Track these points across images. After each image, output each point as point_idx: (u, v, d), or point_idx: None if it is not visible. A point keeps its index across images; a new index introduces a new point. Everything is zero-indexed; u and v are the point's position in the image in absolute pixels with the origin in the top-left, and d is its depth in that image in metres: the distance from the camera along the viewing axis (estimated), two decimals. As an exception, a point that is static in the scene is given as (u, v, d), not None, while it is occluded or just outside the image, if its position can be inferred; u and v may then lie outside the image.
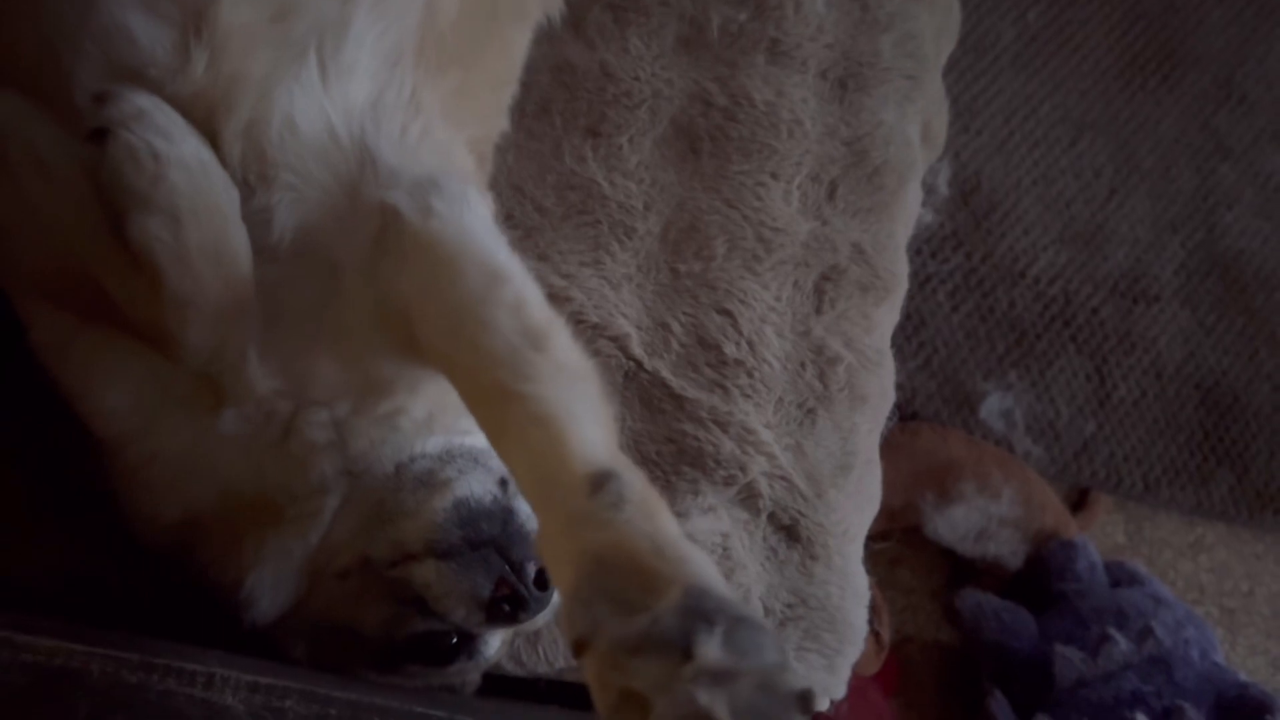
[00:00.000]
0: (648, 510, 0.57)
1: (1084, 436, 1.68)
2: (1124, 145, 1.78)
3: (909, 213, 1.13)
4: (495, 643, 0.81)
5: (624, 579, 0.53)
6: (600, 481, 0.57)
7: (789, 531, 1.03)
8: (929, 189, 1.45)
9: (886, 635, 1.49)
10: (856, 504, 1.08)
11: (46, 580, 0.79)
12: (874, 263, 1.08)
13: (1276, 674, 1.71)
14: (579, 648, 0.53)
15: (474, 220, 0.71)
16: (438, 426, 0.79)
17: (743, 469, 1.00)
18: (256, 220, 0.71)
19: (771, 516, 1.02)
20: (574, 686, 0.95)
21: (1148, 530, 1.72)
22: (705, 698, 0.48)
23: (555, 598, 0.75)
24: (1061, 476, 1.66)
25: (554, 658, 0.95)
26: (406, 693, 0.74)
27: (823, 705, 1.06)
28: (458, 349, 0.67)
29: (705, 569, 0.54)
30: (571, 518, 0.57)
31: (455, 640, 0.79)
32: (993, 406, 1.64)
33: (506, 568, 0.73)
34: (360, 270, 0.73)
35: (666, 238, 1.05)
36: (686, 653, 0.49)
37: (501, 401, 0.63)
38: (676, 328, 1.03)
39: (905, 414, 1.61)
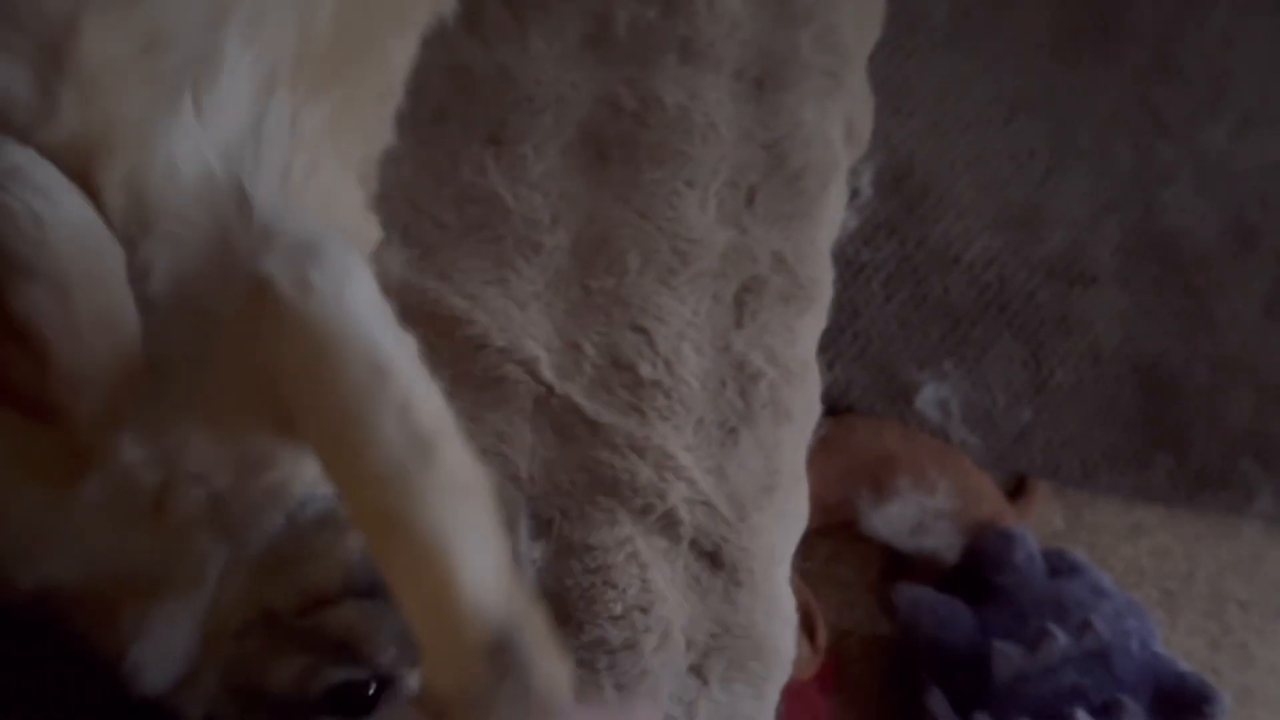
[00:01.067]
0: (547, 675, 0.56)
1: (1021, 424, 1.65)
2: (1060, 124, 1.74)
3: (832, 216, 1.08)
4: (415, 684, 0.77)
5: None
6: (497, 654, 0.55)
7: (712, 558, 0.98)
8: (852, 191, 1.40)
9: (822, 638, 1.46)
10: (782, 525, 1.04)
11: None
12: (796, 271, 1.03)
13: (1215, 653, 1.71)
14: None
15: (356, 298, 0.64)
16: (322, 485, 0.74)
17: (661, 496, 0.96)
18: (137, 273, 0.65)
19: (693, 543, 0.98)
20: None
21: (1086, 516, 1.71)
22: None
23: None
24: (999, 465, 1.64)
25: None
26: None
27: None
28: (339, 458, 0.62)
29: None
30: (463, 680, 0.55)
31: (375, 687, 0.74)
32: (928, 396, 1.61)
33: None
34: (239, 334, 0.67)
35: (576, 252, 0.99)
36: None
37: (387, 527, 0.59)
38: (589, 348, 0.98)
39: (840, 407, 1.57)
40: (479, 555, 0.58)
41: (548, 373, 0.96)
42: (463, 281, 0.96)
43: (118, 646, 0.72)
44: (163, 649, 0.72)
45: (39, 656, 0.75)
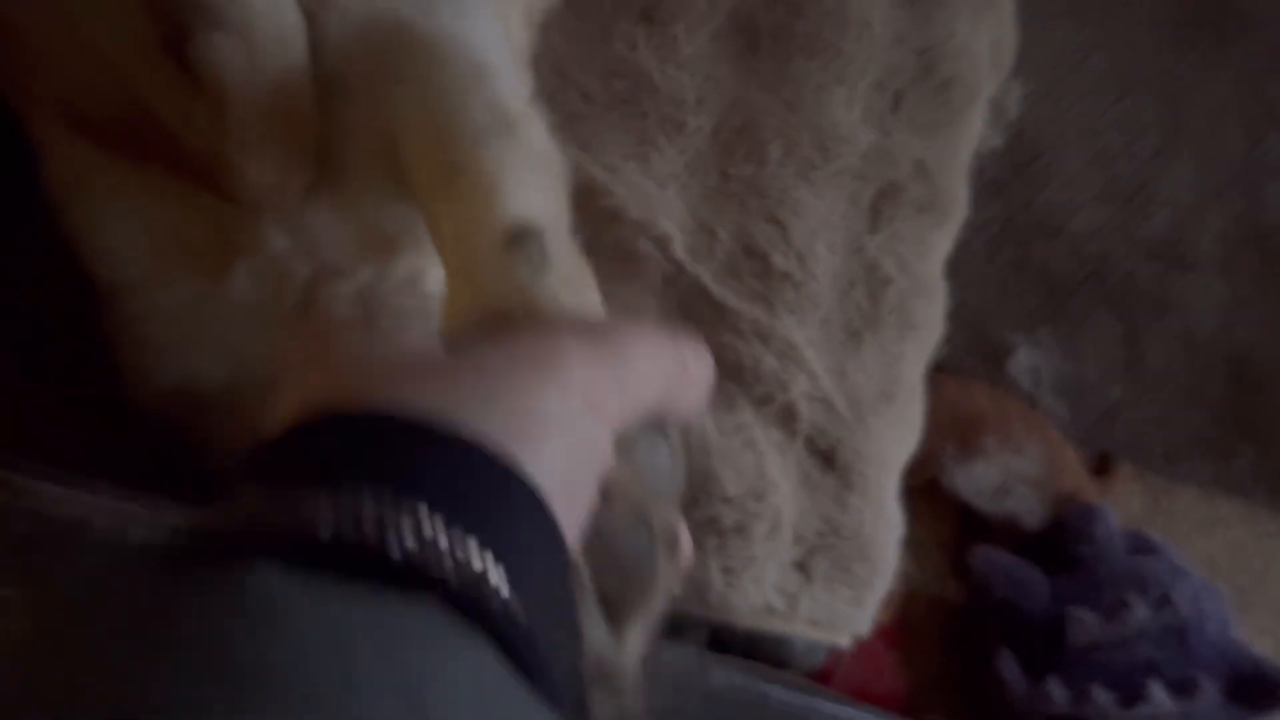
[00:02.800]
0: (571, 282, 0.49)
1: (1109, 400, 1.63)
2: (1173, 105, 1.71)
3: (972, 134, 1.07)
4: None
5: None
6: (519, 237, 0.49)
7: (825, 457, 0.97)
8: (998, 109, 1.38)
9: (898, 585, 1.44)
10: (897, 435, 1.02)
11: (45, 438, 0.73)
12: (935, 182, 1.02)
13: (1282, 657, 1.67)
14: None
15: (477, 25, 0.62)
16: None
17: (783, 387, 0.95)
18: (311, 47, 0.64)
19: (808, 440, 0.97)
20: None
21: (1165, 503, 1.68)
22: None
23: None
24: (1084, 439, 1.61)
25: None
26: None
27: (843, 641, 1.02)
28: (423, 131, 0.58)
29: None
30: (484, 276, 0.50)
31: None
32: (1020, 362, 1.59)
33: None
34: (369, 96, 0.64)
35: (718, 137, 0.98)
36: None
37: (450, 169, 0.54)
38: (722, 234, 0.97)
39: (932, 363, 1.55)
40: (533, 192, 0.53)
41: (680, 252, 0.95)
42: (603, 153, 0.95)
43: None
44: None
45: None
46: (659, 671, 0.69)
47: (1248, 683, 1.38)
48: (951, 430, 1.51)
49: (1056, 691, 1.37)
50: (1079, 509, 1.51)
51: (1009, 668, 1.42)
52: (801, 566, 0.95)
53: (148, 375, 0.72)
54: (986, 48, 1.07)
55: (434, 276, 0.70)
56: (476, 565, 0.29)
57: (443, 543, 0.29)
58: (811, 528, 0.96)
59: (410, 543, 0.28)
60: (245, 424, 0.71)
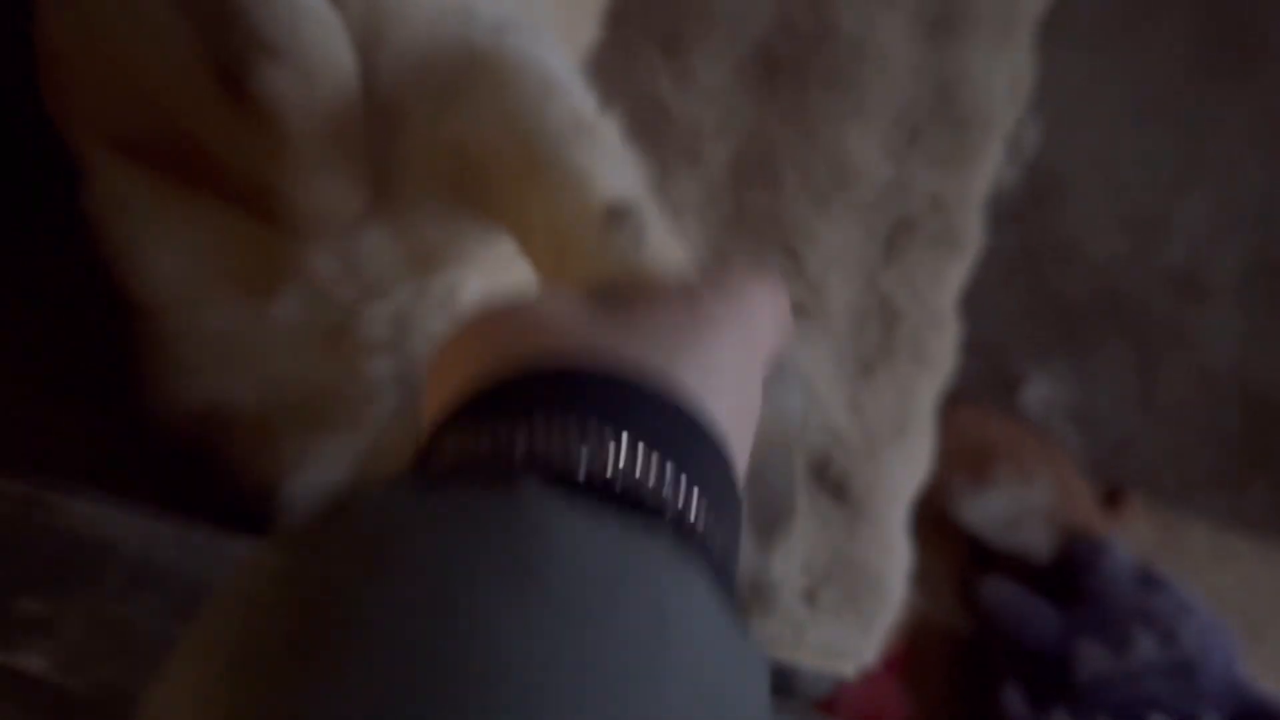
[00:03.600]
0: (665, 252, 0.51)
1: (1123, 431, 1.62)
2: (1192, 136, 1.71)
3: (988, 169, 1.07)
4: None
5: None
6: (619, 213, 0.50)
7: (837, 488, 0.98)
8: (1015, 144, 1.38)
9: (906, 615, 1.44)
10: (908, 468, 1.03)
11: (73, 458, 0.74)
12: (950, 216, 1.03)
13: (1293, 693, 1.66)
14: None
15: (543, 48, 0.63)
16: None
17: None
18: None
19: (820, 471, 0.97)
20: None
21: (1176, 535, 1.67)
22: None
23: None
24: (1096, 470, 1.61)
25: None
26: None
27: (849, 671, 1.02)
28: (501, 138, 0.59)
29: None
30: (586, 251, 0.50)
31: None
32: (1034, 391, 1.59)
33: None
34: (426, 118, 0.66)
35: (735, 168, 0.99)
36: None
37: (536, 166, 0.55)
38: (739, 264, 0.97)
39: (945, 392, 1.55)
40: (619, 178, 0.54)
41: (697, 283, 0.96)
42: (622, 183, 0.96)
43: (273, 476, 0.72)
44: (317, 488, 0.72)
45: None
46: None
47: (1253, 718, 1.38)
48: (962, 460, 1.51)
49: (1064, 724, 1.37)
50: (1088, 542, 1.51)
51: (1014, 701, 1.42)
52: (810, 596, 0.95)
53: (180, 396, 0.72)
54: (1004, 82, 1.08)
55: (470, 288, 0.71)
56: (693, 502, 0.33)
57: (667, 478, 0.32)
58: (820, 558, 0.96)
59: (647, 477, 0.32)
60: (272, 446, 0.72)
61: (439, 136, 0.64)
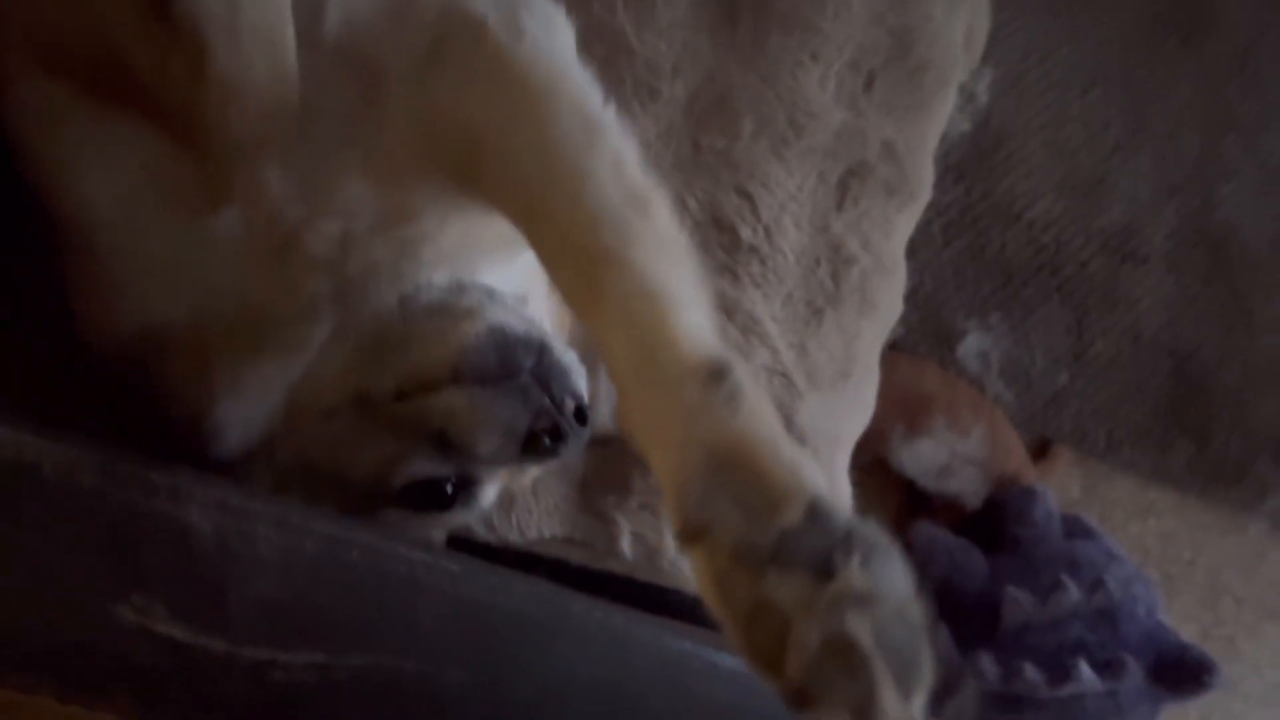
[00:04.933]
0: (762, 413, 0.52)
1: (1055, 387, 1.66)
2: (1135, 102, 1.74)
3: (942, 118, 1.08)
4: (492, 494, 0.76)
5: (744, 480, 0.49)
6: (718, 374, 0.52)
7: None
8: (968, 95, 1.40)
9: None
10: (851, 412, 1.04)
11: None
12: (903, 164, 1.03)
13: (1205, 641, 1.72)
14: (693, 535, 0.50)
15: (565, 52, 0.63)
16: (450, 263, 0.73)
17: (744, 359, 0.95)
18: (304, 4, 0.63)
19: (764, 413, 0.97)
20: (543, 560, 0.91)
21: (1102, 489, 1.72)
22: (854, 622, 0.45)
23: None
24: (1028, 424, 1.65)
25: (527, 527, 0.90)
26: (390, 534, 0.68)
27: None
28: (550, 198, 0.60)
29: (823, 484, 0.50)
30: (683, 404, 0.52)
31: (453, 487, 0.73)
32: (970, 346, 1.61)
33: (546, 400, 0.67)
34: (409, 80, 0.65)
35: (692, 108, 0.98)
36: (828, 572, 0.47)
37: (598, 266, 0.57)
38: (692, 204, 0.97)
39: (885, 342, 1.57)
40: (695, 302, 0.56)
41: (649, 221, 0.95)
42: (577, 117, 0.95)
43: (205, 401, 0.70)
44: (249, 412, 0.71)
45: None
46: (610, 634, 0.70)
47: (1172, 666, 1.43)
48: (901, 409, 1.53)
49: (988, 668, 1.41)
50: (1019, 491, 1.55)
51: (942, 643, 1.45)
52: (752, 539, 0.96)
53: (112, 317, 0.70)
54: (961, 33, 1.08)
55: (436, 244, 0.70)
56: None
57: None
58: (763, 500, 0.97)
59: None
60: (206, 372, 0.71)
61: (436, 106, 0.64)
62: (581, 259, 0.58)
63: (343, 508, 0.73)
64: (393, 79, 0.65)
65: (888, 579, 0.47)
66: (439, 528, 0.80)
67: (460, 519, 0.79)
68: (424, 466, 0.72)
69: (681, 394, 0.52)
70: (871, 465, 1.56)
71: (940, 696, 0.47)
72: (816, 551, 0.47)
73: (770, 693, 0.47)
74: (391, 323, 0.70)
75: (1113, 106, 1.73)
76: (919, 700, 0.45)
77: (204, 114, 0.60)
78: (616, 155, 0.60)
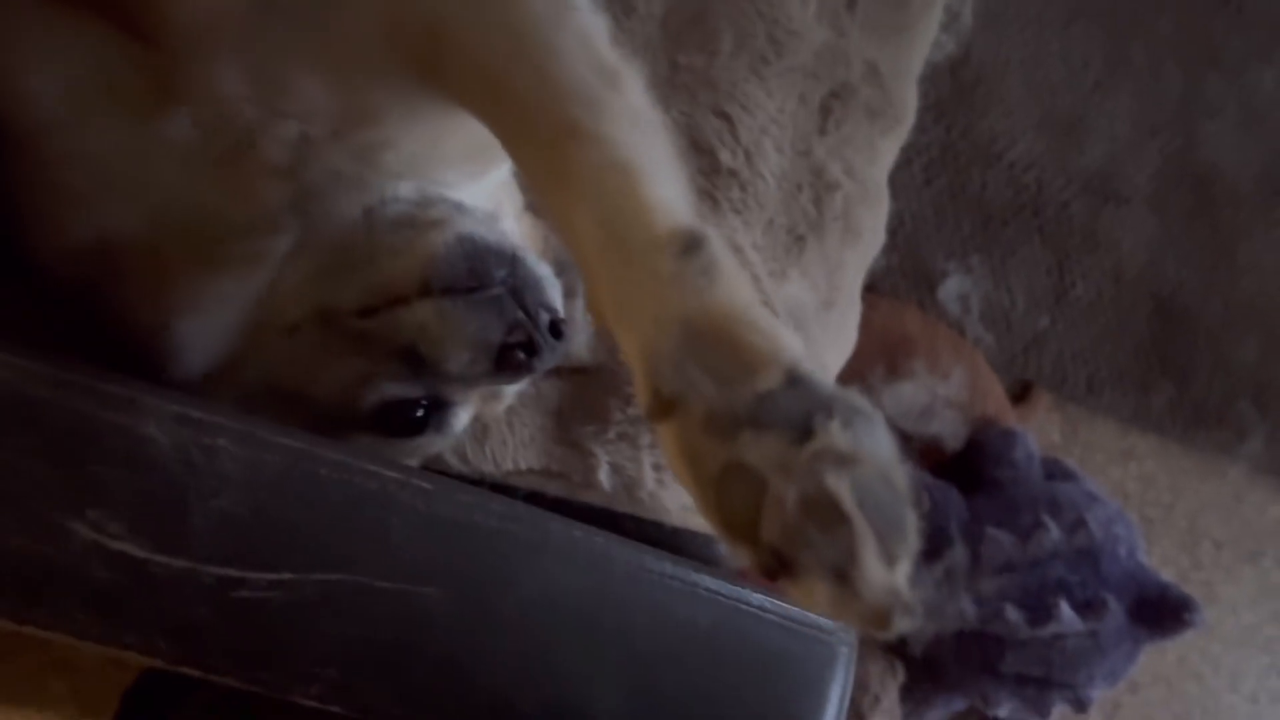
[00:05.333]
0: (739, 285, 0.49)
1: (1035, 330, 1.64)
2: (1117, 38, 1.71)
3: (927, 40, 1.05)
4: (465, 418, 0.73)
5: (719, 350, 0.47)
6: (693, 245, 0.49)
7: (762, 360, 0.96)
8: (953, 15, 1.37)
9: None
10: (834, 342, 1.02)
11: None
12: (887, 87, 1.00)
13: (1183, 584, 1.71)
14: (663, 409, 0.47)
15: None
16: (415, 174, 0.69)
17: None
18: None
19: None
20: (518, 492, 0.88)
21: (1083, 432, 1.71)
22: (833, 480, 0.43)
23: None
24: (1008, 367, 1.63)
25: (501, 459, 0.88)
26: (355, 449, 0.66)
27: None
28: (517, 75, 0.57)
29: (803, 355, 0.48)
30: (656, 277, 0.50)
31: (424, 409, 0.70)
32: (951, 288, 1.59)
33: (520, 312, 0.65)
34: None
35: (668, 24, 0.95)
36: (807, 431, 0.44)
37: (567, 141, 0.54)
38: (669, 125, 0.94)
39: (865, 285, 1.55)
40: (668, 176, 0.53)
41: (625, 143, 0.92)
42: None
43: (162, 317, 0.67)
44: (208, 329, 0.68)
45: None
46: (590, 553, 0.68)
47: (1153, 605, 1.43)
48: (881, 352, 1.51)
49: (969, 609, 1.40)
50: (999, 433, 1.54)
51: (929, 509, 1.44)
52: (733, 468, 0.94)
53: (62, 227, 0.67)
54: (945, -47, 1.05)
55: (400, 150, 0.67)
56: None
57: None
58: (745, 430, 0.95)
59: None
60: (164, 284, 0.67)
61: (404, 8, 0.60)
62: (548, 134, 0.55)
63: (311, 431, 0.70)
64: None
65: (871, 441, 0.45)
66: (412, 454, 0.77)
67: (434, 445, 0.77)
68: (394, 387, 0.69)
69: (654, 266, 0.49)
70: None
71: (928, 559, 0.45)
72: (795, 413, 0.45)
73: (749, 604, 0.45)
74: (356, 235, 0.67)
75: (1094, 42, 1.70)
76: (904, 567, 0.43)
77: (157, 6, 0.57)
78: (585, 30, 0.57)
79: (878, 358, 1.52)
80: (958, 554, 1.37)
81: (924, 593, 0.43)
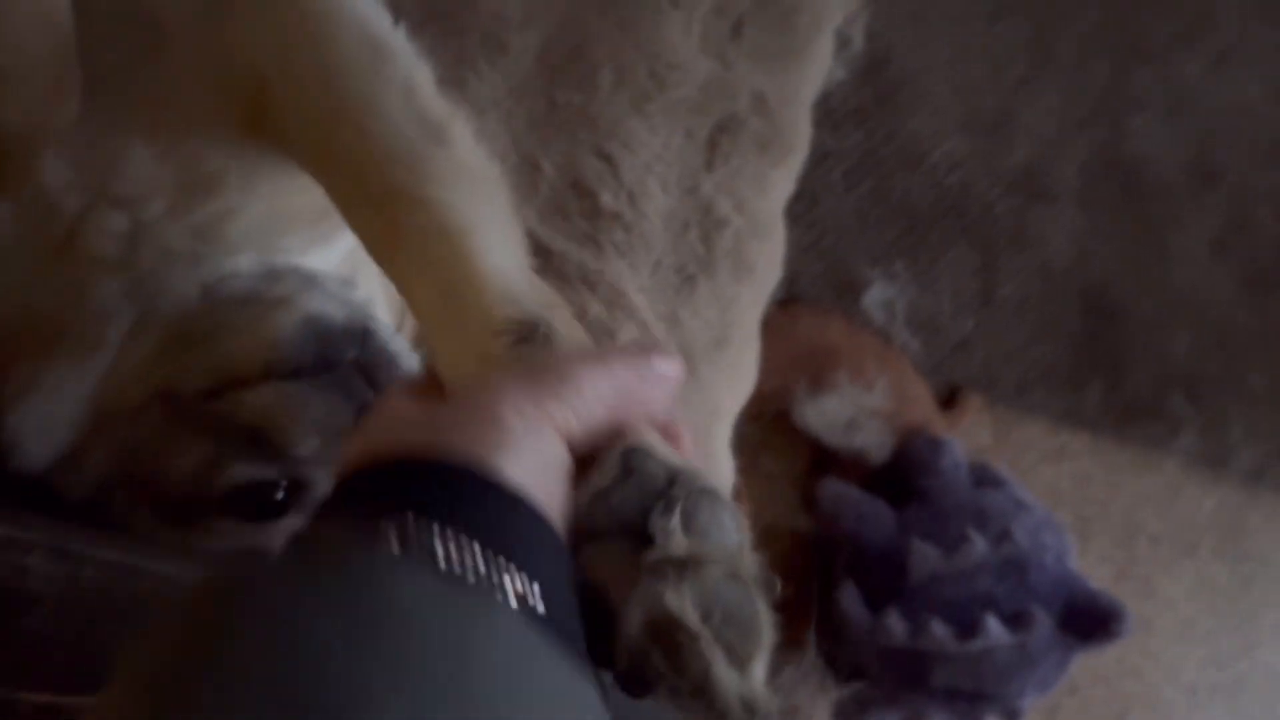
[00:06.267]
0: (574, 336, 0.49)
1: (963, 333, 1.62)
2: (1042, 33, 1.68)
3: (818, 67, 1.02)
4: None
5: None
6: (527, 333, 0.49)
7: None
8: (843, 41, 1.33)
9: (745, 522, 1.42)
10: (729, 382, 0.99)
11: None
12: (776, 117, 0.97)
13: (1120, 582, 1.72)
14: None
15: None
16: (259, 244, 0.66)
17: (610, 335, 0.90)
18: None
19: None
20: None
21: (1014, 434, 1.70)
22: (674, 598, 0.41)
23: None
24: (935, 372, 1.61)
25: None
26: (177, 554, 0.63)
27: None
28: (336, 134, 0.54)
29: (645, 434, 0.46)
30: (489, 361, 0.49)
31: (284, 491, 0.67)
32: (875, 295, 1.57)
33: (371, 391, 0.62)
34: (189, 29, 0.58)
35: (544, 60, 0.92)
36: (644, 536, 0.42)
37: (394, 206, 0.52)
38: (548, 168, 0.91)
39: (787, 296, 1.52)
40: (502, 240, 0.51)
41: (502, 188, 0.89)
42: (418, 76, 0.88)
43: (-4, 412, 0.64)
44: (46, 419, 0.65)
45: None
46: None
47: (1081, 614, 1.41)
48: (804, 364, 1.49)
49: (896, 624, 1.38)
50: (925, 442, 1.52)
51: (850, 601, 1.43)
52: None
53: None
54: (835, -27, 1.02)
55: (246, 216, 0.64)
56: (505, 575, 0.38)
57: (480, 559, 0.38)
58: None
59: (464, 559, 0.38)
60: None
61: (217, 49, 0.58)
62: (375, 199, 0.53)
63: (168, 519, 0.67)
64: (172, 24, 0.59)
65: (716, 530, 0.43)
66: (278, 535, 0.74)
67: (294, 525, 0.73)
68: (247, 469, 0.66)
69: (488, 350, 0.48)
70: (776, 422, 1.52)
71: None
72: (631, 512, 0.42)
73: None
74: (194, 314, 0.64)
75: (1017, 39, 1.67)
76: (758, 667, 0.41)
77: None
78: (407, 79, 0.55)
79: (801, 370, 1.49)
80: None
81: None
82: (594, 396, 0.45)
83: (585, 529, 0.43)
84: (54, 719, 0.56)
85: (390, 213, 0.52)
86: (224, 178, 0.62)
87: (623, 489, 0.43)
